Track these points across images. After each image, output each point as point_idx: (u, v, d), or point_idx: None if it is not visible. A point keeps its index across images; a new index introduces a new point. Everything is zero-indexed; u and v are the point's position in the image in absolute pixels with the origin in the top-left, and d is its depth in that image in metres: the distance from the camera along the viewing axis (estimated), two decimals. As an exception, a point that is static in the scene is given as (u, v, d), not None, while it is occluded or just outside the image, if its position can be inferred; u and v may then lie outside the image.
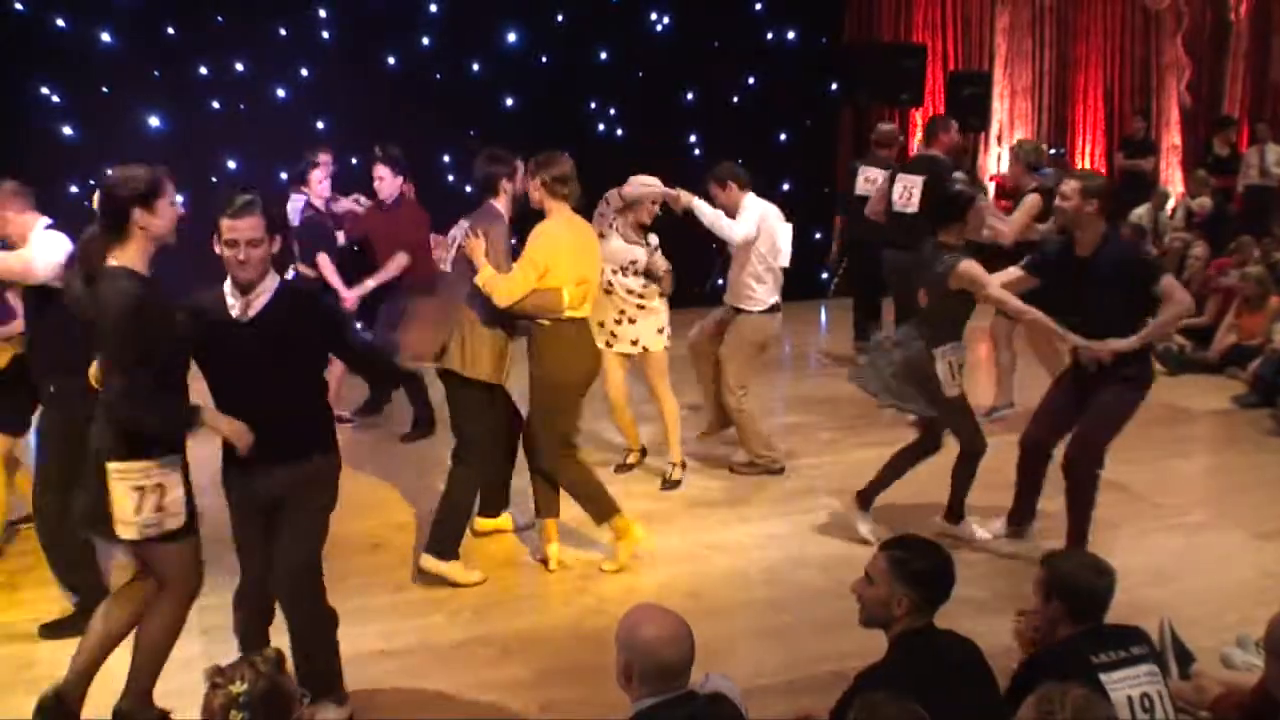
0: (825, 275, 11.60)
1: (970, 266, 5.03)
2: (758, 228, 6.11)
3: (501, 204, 5.15)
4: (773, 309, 6.27)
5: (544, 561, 5.33)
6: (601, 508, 5.22)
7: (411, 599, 5.03)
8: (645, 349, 6.14)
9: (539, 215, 5.14)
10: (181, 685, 4.18)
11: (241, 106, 9.71)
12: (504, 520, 5.76)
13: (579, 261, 5.02)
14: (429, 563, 5.17)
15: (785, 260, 6.29)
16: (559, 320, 5.00)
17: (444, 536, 5.17)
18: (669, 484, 6.30)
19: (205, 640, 4.57)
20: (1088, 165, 13.42)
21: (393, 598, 5.03)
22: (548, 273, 4.91)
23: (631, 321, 6.09)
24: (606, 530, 5.31)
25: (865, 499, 5.58)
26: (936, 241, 5.19)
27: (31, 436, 5.42)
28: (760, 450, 6.44)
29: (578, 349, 5.08)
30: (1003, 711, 3.08)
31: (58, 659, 4.39)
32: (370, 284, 6.94)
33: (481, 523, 5.69)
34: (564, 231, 5.02)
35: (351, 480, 6.48)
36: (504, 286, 4.89)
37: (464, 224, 5.17)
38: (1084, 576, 3.30)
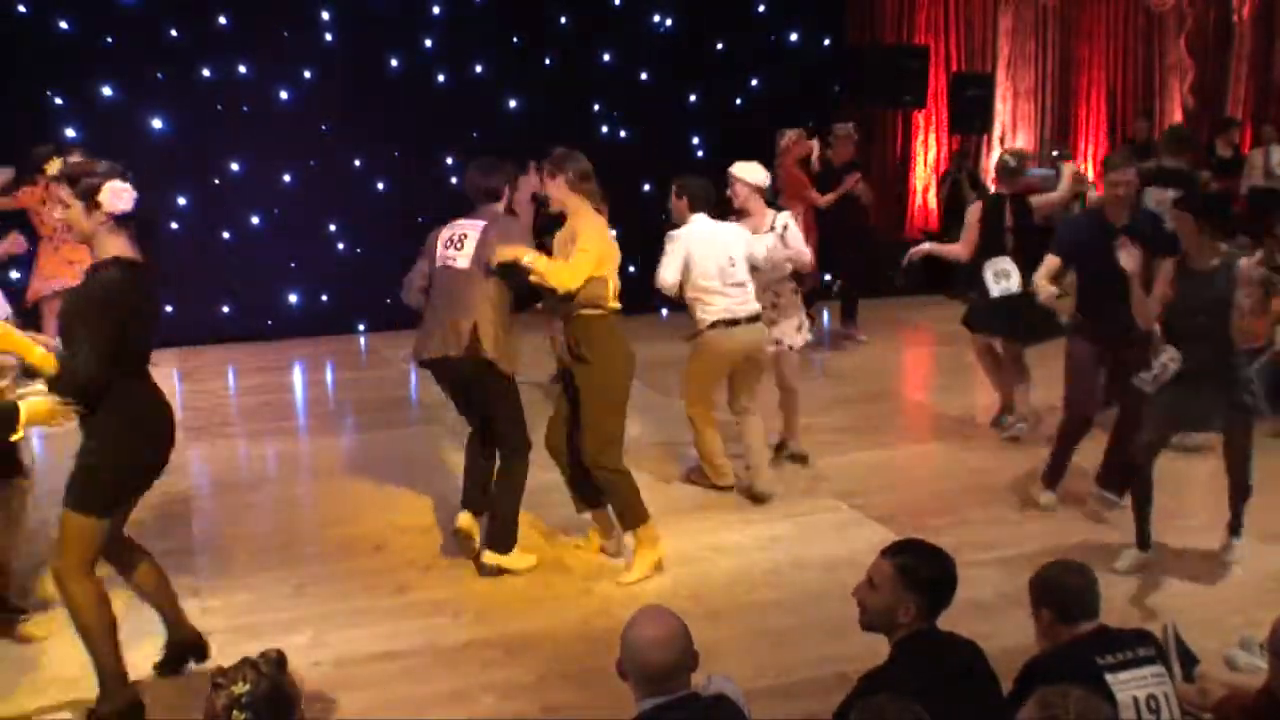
0: (827, 276, 11.60)
1: None
2: (681, 265, 5.88)
3: (499, 209, 5.22)
4: (715, 325, 5.91)
5: (602, 549, 5.43)
6: (636, 513, 5.21)
7: (414, 600, 5.03)
8: None
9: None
10: (183, 686, 4.19)
11: (244, 108, 9.72)
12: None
13: (612, 250, 5.10)
14: (500, 560, 5.22)
15: (720, 278, 5.84)
16: (607, 312, 5.05)
17: (509, 531, 5.23)
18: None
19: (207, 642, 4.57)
20: (1091, 167, 13.42)
21: (395, 599, 5.03)
22: (600, 263, 4.98)
23: None
24: (629, 537, 5.30)
25: None
26: None
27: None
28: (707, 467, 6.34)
29: (624, 341, 5.14)
30: (1005, 714, 3.07)
31: (63, 659, 4.40)
32: None
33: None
34: (601, 224, 5.09)
35: (352, 482, 6.53)
36: (566, 274, 4.90)
37: (478, 224, 5.13)
38: (1059, 578, 3.34)
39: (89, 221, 3.77)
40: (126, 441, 3.84)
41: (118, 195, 3.77)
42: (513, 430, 5.21)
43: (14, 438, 3.52)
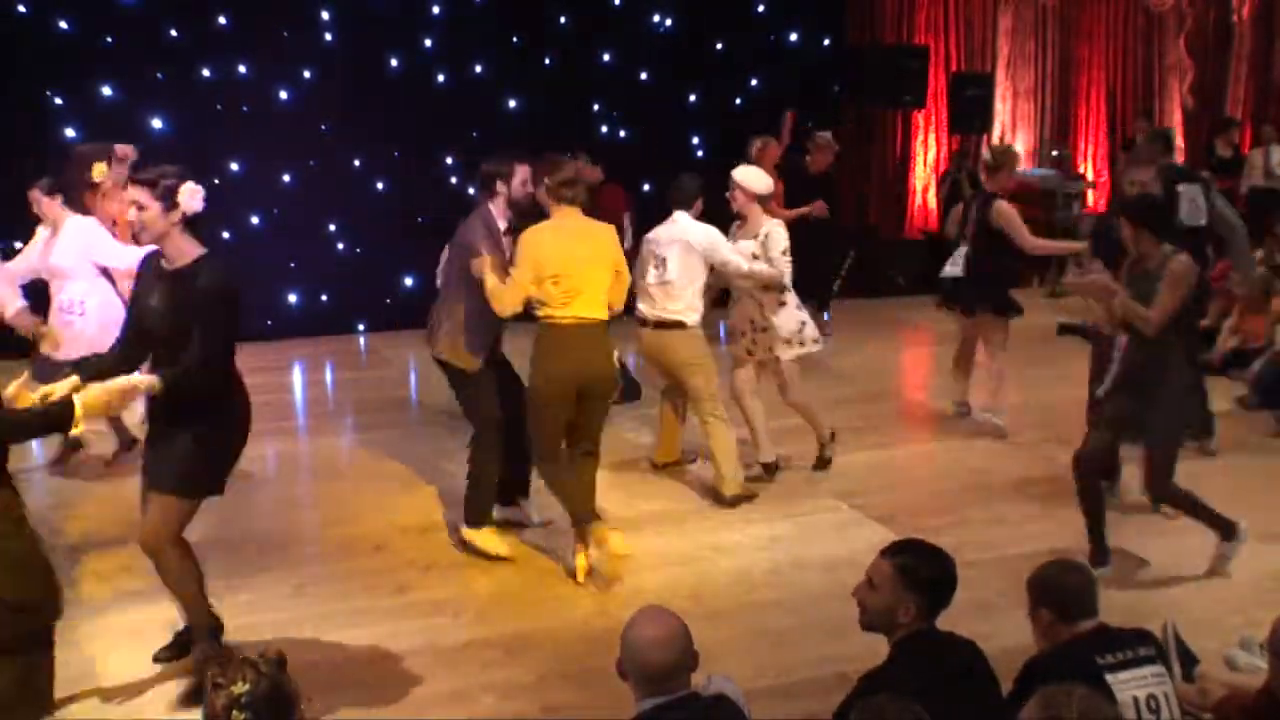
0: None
1: None
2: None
3: (496, 205, 5.32)
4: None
5: (572, 574, 5.21)
6: (570, 511, 5.26)
7: (414, 600, 5.03)
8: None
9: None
10: (183, 687, 4.20)
11: (244, 108, 9.72)
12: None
13: (554, 259, 5.02)
14: (466, 533, 5.45)
15: (646, 278, 5.94)
16: (546, 321, 5.11)
17: (474, 507, 5.44)
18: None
19: (207, 641, 4.57)
20: (1090, 167, 13.43)
21: (395, 599, 5.03)
22: (537, 276, 5.03)
23: None
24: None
25: None
26: None
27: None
28: None
29: (551, 353, 5.10)
30: (1005, 714, 3.07)
31: (61, 660, 4.39)
32: None
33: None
34: (543, 234, 5.11)
35: (352, 482, 6.53)
36: (500, 299, 5.07)
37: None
38: (1056, 577, 3.35)
39: (164, 222, 3.93)
40: (227, 426, 4.13)
41: (193, 195, 3.97)
42: (471, 415, 5.49)
43: (74, 432, 3.57)
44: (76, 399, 3.57)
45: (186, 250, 3.99)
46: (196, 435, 4.01)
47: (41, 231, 6.45)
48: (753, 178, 6.23)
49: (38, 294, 6.43)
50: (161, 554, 4.12)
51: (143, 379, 3.84)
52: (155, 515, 4.08)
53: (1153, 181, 6.04)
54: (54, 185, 6.35)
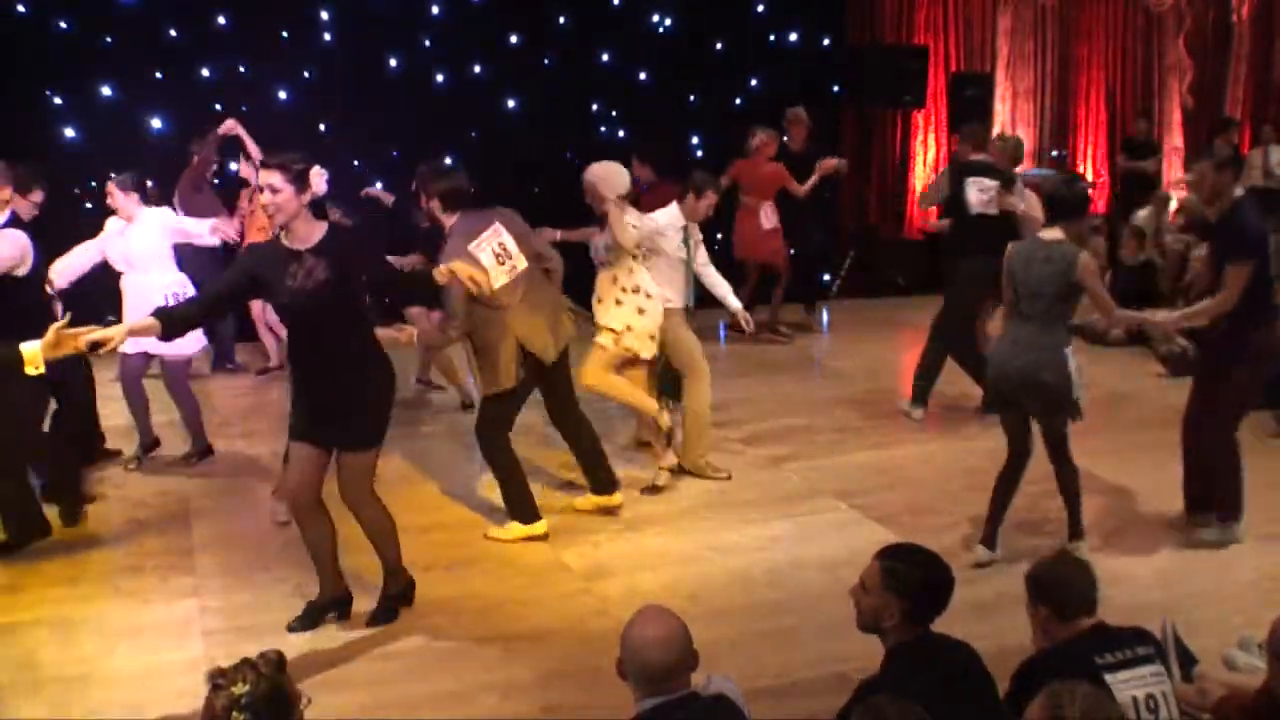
0: (827, 276, 11.61)
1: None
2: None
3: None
4: None
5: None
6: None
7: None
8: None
9: None
10: (183, 687, 4.20)
11: (244, 108, 9.71)
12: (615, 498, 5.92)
13: None
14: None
15: None
16: None
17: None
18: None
19: (206, 642, 4.58)
20: (1090, 167, 13.43)
21: (395, 599, 5.02)
22: None
23: None
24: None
25: None
26: None
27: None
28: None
29: None
30: (1002, 715, 3.08)
31: (61, 660, 4.40)
32: None
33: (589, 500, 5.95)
34: None
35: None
36: None
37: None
38: (1055, 573, 3.35)
39: (297, 203, 4.15)
40: (391, 377, 4.52)
41: (320, 177, 4.25)
42: None
43: (30, 371, 3.65)
44: (22, 348, 3.67)
45: (316, 228, 4.19)
46: (372, 391, 4.39)
47: (112, 225, 6.53)
48: (605, 177, 5.87)
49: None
50: (367, 506, 4.54)
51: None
52: (354, 472, 4.44)
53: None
54: (133, 181, 6.43)
